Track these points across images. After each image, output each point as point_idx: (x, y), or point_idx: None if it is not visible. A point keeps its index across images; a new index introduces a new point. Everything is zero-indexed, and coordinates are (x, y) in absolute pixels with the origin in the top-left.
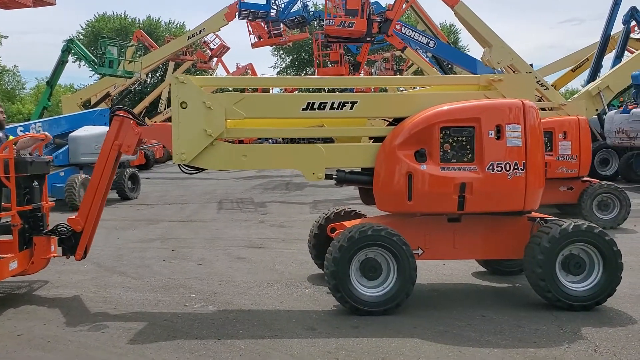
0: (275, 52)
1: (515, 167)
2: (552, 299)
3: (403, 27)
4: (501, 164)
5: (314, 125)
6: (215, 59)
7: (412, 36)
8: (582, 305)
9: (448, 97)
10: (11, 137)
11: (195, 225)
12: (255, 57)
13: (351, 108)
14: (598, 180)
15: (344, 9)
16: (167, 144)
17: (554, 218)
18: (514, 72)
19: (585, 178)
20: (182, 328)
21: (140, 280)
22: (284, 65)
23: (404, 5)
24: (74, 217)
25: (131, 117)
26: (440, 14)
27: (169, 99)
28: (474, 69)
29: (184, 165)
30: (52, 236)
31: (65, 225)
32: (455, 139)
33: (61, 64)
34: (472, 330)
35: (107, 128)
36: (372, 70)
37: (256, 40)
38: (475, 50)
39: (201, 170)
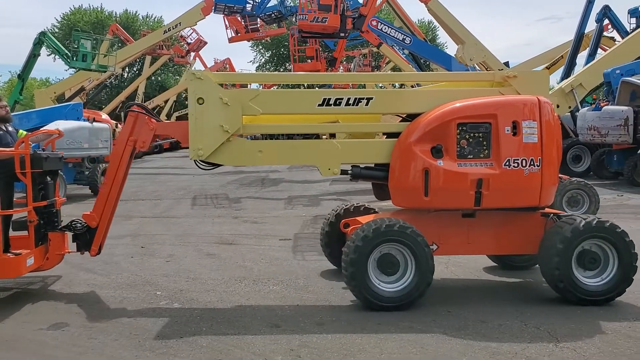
0: (255, 47)
1: (532, 163)
2: (563, 290)
3: (379, 24)
4: (518, 160)
5: (328, 121)
6: (192, 54)
7: (388, 32)
8: (592, 300)
9: (463, 93)
10: (22, 132)
11: (168, 221)
12: (234, 52)
13: (367, 104)
14: (568, 177)
15: (317, 5)
16: (183, 140)
17: (567, 213)
18: (486, 69)
19: None
20: (145, 326)
21: (106, 277)
22: (263, 61)
23: (379, 1)
24: (88, 212)
25: (145, 112)
26: (419, 11)
27: (145, 94)
28: (449, 65)
29: (200, 161)
30: (66, 232)
31: (80, 221)
32: (471, 135)
33: (33, 57)
34: (436, 326)
35: (80, 123)
36: (351, 66)
37: (233, 35)
38: (453, 47)
39: (217, 166)
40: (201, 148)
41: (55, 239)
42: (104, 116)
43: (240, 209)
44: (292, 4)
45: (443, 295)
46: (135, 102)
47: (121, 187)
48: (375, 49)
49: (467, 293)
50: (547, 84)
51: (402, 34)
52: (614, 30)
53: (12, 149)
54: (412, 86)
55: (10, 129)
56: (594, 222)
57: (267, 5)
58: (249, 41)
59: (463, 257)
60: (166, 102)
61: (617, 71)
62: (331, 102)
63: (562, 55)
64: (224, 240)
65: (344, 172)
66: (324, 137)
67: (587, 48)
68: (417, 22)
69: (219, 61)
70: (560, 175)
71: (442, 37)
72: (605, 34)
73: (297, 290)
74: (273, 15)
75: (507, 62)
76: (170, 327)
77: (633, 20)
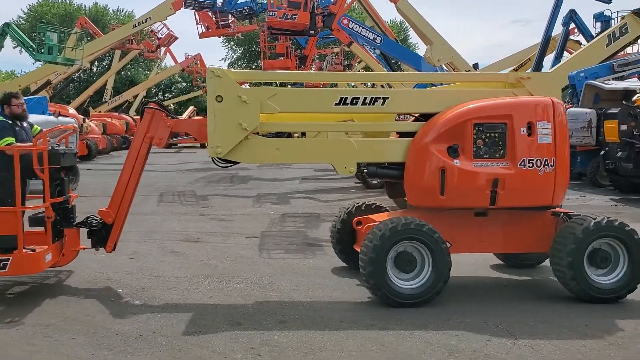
0: (227, 44)
1: (546, 163)
2: (577, 290)
3: (350, 22)
4: (532, 160)
5: (343, 120)
6: (163, 49)
7: (359, 31)
8: (603, 298)
9: (478, 94)
10: (36, 127)
11: (133, 218)
12: (205, 48)
13: (383, 103)
14: None
15: (287, 2)
16: (200, 138)
17: (577, 213)
18: (453, 70)
19: None
20: (103, 324)
21: (68, 274)
22: (235, 57)
23: (349, 0)
24: (104, 209)
25: (162, 109)
26: (392, 11)
27: (114, 89)
28: (419, 66)
29: (217, 158)
30: (81, 228)
31: (96, 218)
32: (488, 135)
33: None
34: (398, 324)
35: (44, 117)
36: (323, 64)
37: (204, 31)
38: (425, 48)
39: (235, 163)
40: (219, 145)
41: (71, 235)
42: (71, 110)
43: (207, 207)
44: (263, 1)
45: None
46: (153, 99)
47: (137, 184)
48: (347, 48)
49: None
50: (560, 85)
51: (373, 33)
52: (580, 34)
53: (29, 144)
54: (382, 86)
55: (25, 125)
56: (604, 221)
57: (238, 2)
58: (219, 37)
59: None
60: (136, 97)
61: (582, 74)
62: (348, 101)
63: (529, 58)
64: (189, 238)
65: (359, 170)
66: (295, 135)
67: (554, 51)
68: (389, 22)
69: (189, 57)
70: None
71: (414, 37)
72: (571, 37)
73: (260, 288)
74: (244, 11)
75: (477, 63)
76: (130, 325)
77: (598, 24)
